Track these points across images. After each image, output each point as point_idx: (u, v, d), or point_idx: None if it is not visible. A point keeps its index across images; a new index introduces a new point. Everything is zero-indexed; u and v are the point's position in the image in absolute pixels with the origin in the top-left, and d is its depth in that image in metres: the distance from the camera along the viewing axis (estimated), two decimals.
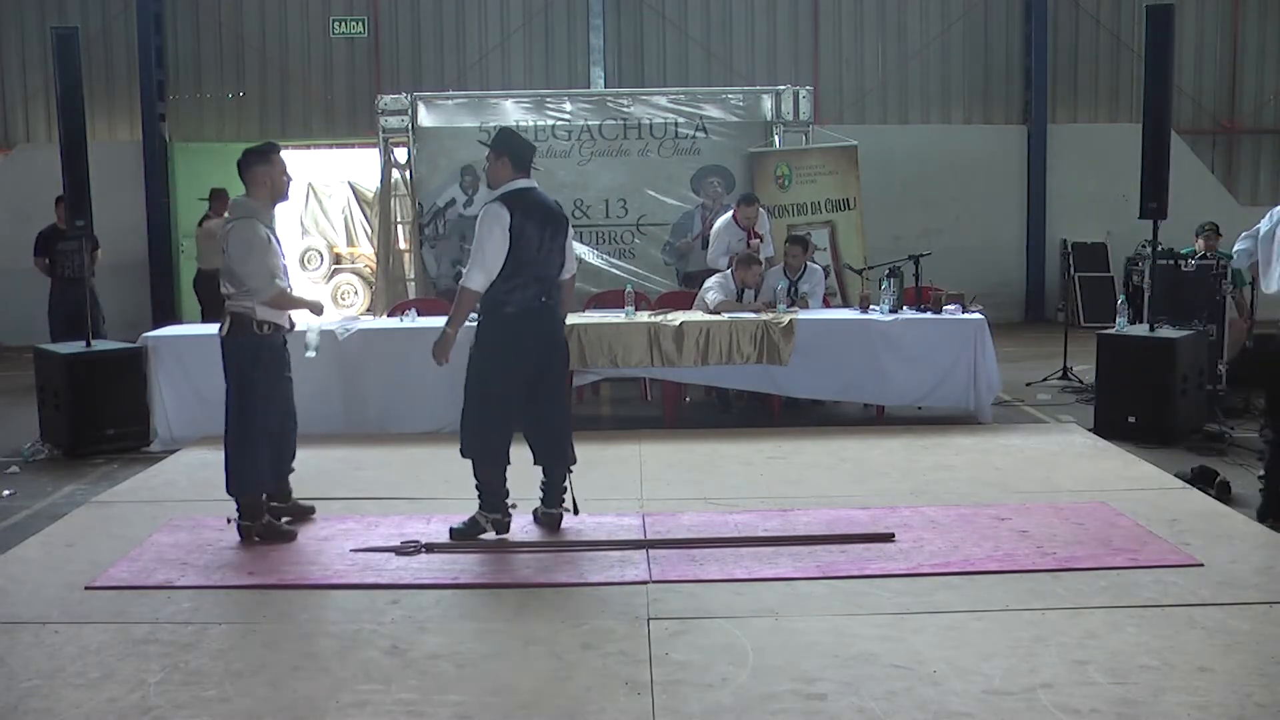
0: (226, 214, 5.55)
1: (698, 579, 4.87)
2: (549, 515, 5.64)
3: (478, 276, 5.31)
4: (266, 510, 5.50)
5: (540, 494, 5.65)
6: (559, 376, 5.66)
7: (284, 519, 5.61)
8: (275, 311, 5.45)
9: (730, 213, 9.31)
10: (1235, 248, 6.31)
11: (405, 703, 3.73)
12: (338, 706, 3.71)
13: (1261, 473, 5.95)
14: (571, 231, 5.68)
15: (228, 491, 5.46)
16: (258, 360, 5.38)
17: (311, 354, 5.94)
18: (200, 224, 11.32)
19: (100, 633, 4.35)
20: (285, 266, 5.53)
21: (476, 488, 5.48)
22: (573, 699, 3.75)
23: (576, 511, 5.62)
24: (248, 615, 4.59)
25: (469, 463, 5.49)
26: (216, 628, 4.42)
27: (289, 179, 5.54)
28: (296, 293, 5.63)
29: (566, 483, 5.62)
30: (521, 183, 5.42)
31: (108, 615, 4.54)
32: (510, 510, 5.51)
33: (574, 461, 5.64)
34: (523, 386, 5.43)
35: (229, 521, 5.50)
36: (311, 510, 5.80)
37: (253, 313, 5.36)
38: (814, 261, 9.56)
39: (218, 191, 10.96)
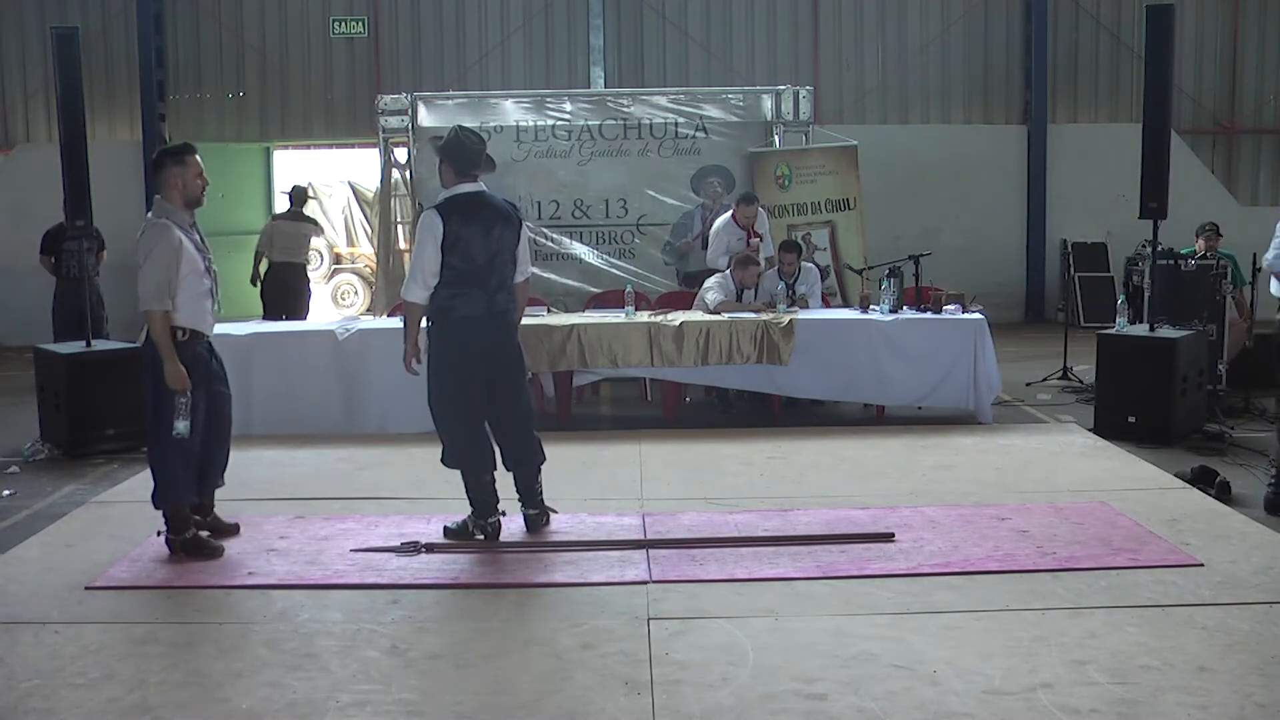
0: (149, 215, 5.40)
1: (698, 579, 4.87)
2: (530, 516, 5.62)
3: (413, 288, 5.31)
4: (193, 523, 5.34)
5: (518, 497, 5.64)
6: (514, 380, 5.55)
7: (202, 532, 5.42)
8: (195, 316, 5.22)
9: (729, 212, 9.30)
10: (1269, 255, 6.29)
11: (405, 703, 3.73)
12: (338, 706, 3.71)
13: (1273, 470, 5.95)
14: (526, 234, 5.62)
15: (153, 504, 5.29)
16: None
17: (176, 434, 5.12)
18: (273, 219, 11.52)
19: (100, 633, 4.35)
20: (209, 270, 5.29)
21: (467, 495, 5.50)
22: (573, 699, 3.75)
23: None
24: (248, 615, 4.59)
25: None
26: (216, 628, 4.42)
27: (204, 182, 5.30)
28: (196, 316, 5.20)
29: (539, 481, 5.62)
30: (465, 188, 5.34)
31: (108, 615, 4.54)
32: (500, 516, 5.51)
33: (543, 459, 5.64)
34: (480, 392, 5.41)
35: (158, 534, 5.34)
36: (235, 528, 5.56)
37: (169, 319, 5.14)
38: (811, 261, 9.59)
39: (299, 190, 11.52)
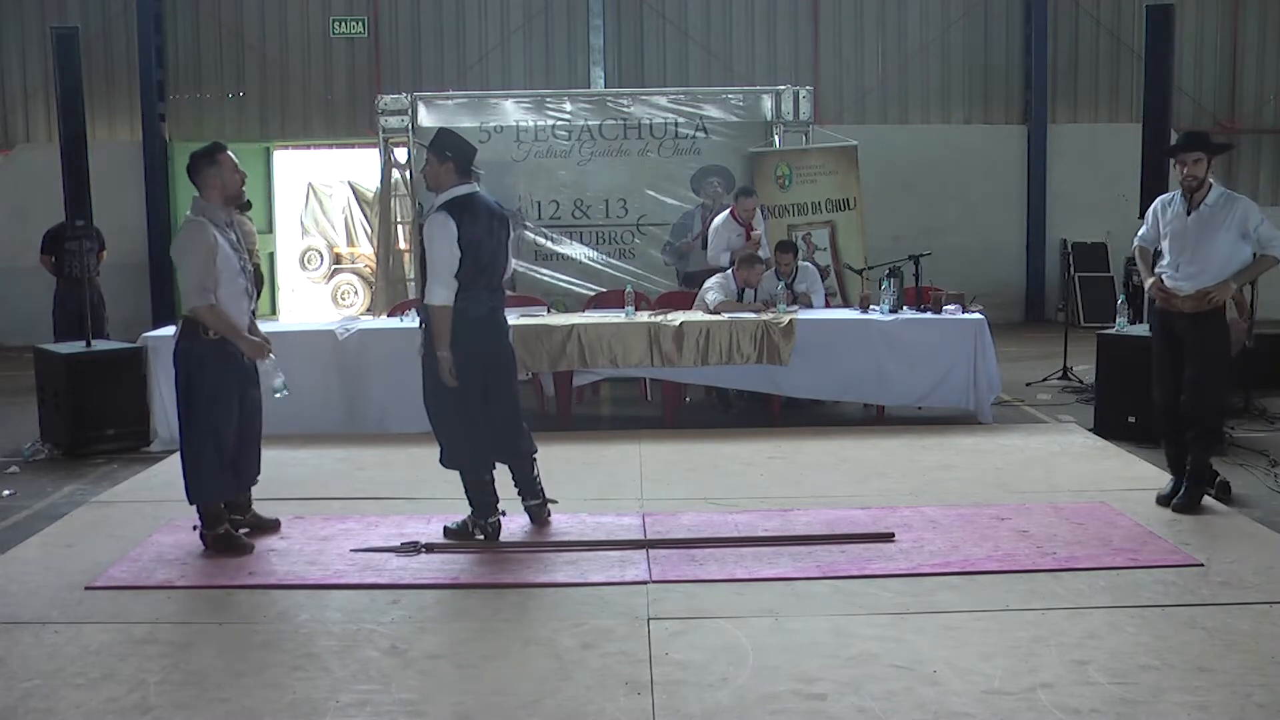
0: (188, 213, 5.45)
1: (698, 579, 4.87)
2: (533, 508, 5.67)
3: (440, 291, 5.23)
4: (227, 519, 5.39)
5: (517, 492, 5.66)
6: (507, 377, 5.60)
7: (242, 530, 5.49)
8: (231, 315, 5.25)
9: (728, 210, 9.31)
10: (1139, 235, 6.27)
11: (405, 703, 3.74)
12: (338, 706, 3.71)
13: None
14: (514, 232, 5.63)
15: (187, 499, 5.35)
16: (203, 366, 5.19)
17: (279, 395, 5.37)
18: None
19: (100, 633, 4.35)
20: (244, 269, 5.34)
21: (466, 495, 5.50)
22: (573, 699, 3.76)
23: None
24: (248, 615, 4.59)
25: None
26: (216, 628, 4.43)
27: (241, 176, 5.36)
28: (233, 316, 5.26)
29: (536, 472, 5.66)
30: (464, 188, 5.33)
31: (108, 615, 4.55)
32: (500, 516, 5.52)
33: (534, 450, 5.67)
34: (477, 391, 5.41)
35: (195, 529, 5.40)
36: (275, 524, 5.63)
37: (218, 309, 5.21)
38: (811, 261, 9.59)
39: None
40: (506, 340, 5.59)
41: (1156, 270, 6.03)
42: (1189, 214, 5.85)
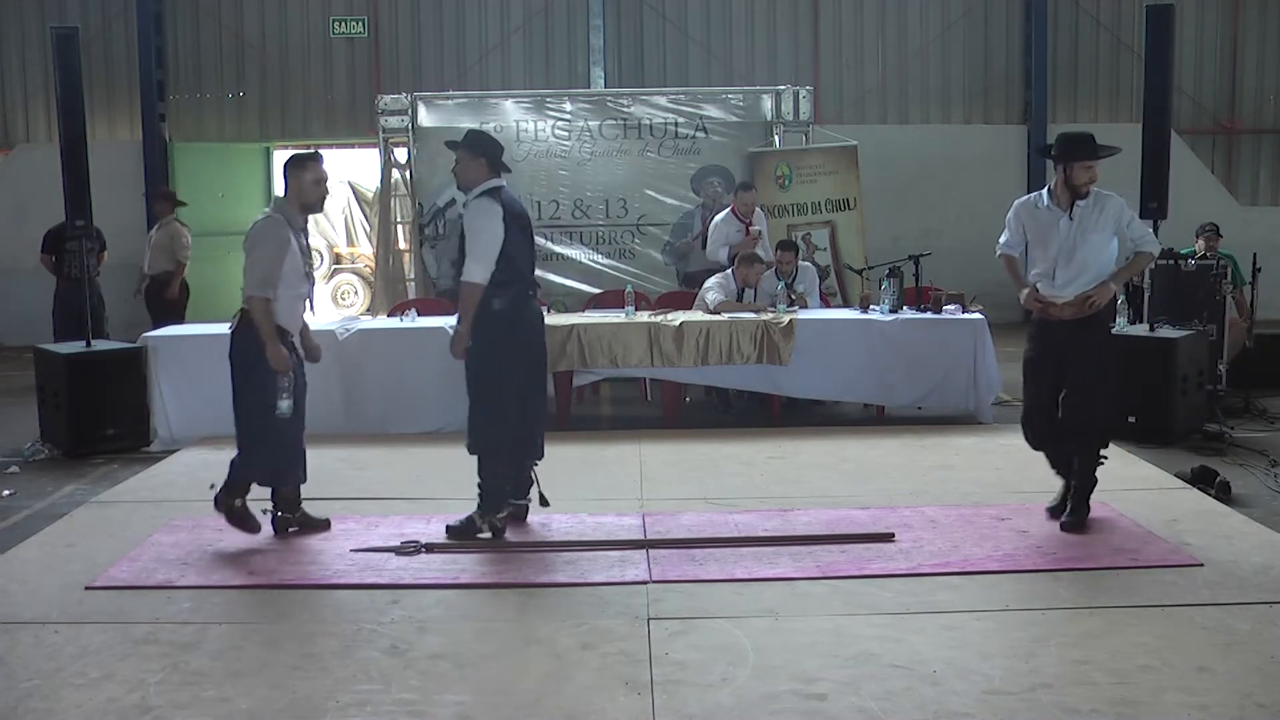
0: (266, 208, 5.56)
1: (698, 579, 4.87)
2: (517, 506, 5.68)
3: (478, 269, 5.35)
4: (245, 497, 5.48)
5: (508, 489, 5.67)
6: (541, 372, 5.72)
7: (291, 529, 5.55)
8: (286, 315, 5.38)
9: (728, 209, 9.32)
10: (1000, 239, 5.94)
11: (405, 703, 3.74)
12: (338, 706, 3.71)
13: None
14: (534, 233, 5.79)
15: (229, 471, 5.45)
16: (261, 359, 5.28)
17: (279, 414, 5.32)
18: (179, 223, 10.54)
19: (100, 633, 4.35)
20: (308, 275, 5.49)
21: (479, 486, 5.49)
22: (573, 699, 3.76)
23: (545, 503, 5.67)
24: (248, 615, 4.59)
25: (471, 462, 5.51)
26: (216, 628, 4.43)
27: (322, 189, 5.47)
28: (290, 316, 5.42)
29: (534, 475, 5.69)
30: (497, 181, 5.48)
31: (108, 615, 4.54)
32: (507, 514, 5.53)
33: (541, 455, 5.70)
34: (522, 379, 5.47)
35: (211, 487, 5.52)
36: (325, 523, 5.65)
37: (271, 306, 5.31)
38: (811, 261, 9.60)
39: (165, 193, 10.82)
40: (542, 340, 5.71)
41: (1028, 278, 5.71)
42: (1064, 217, 5.53)
